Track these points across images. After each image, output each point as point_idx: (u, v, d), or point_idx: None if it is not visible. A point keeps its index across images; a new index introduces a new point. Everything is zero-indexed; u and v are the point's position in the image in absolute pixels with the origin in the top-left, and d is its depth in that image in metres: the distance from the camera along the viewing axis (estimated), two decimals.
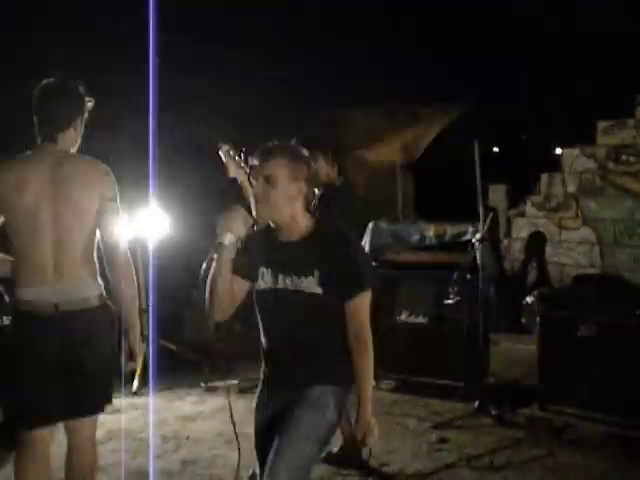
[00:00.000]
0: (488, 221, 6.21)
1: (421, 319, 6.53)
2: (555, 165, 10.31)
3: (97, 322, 3.61)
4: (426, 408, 6.23)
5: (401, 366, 6.61)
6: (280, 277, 3.09)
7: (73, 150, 3.73)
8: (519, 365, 7.35)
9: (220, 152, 4.66)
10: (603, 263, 9.50)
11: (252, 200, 3.11)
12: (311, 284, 3.03)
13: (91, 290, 3.61)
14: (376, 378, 6.59)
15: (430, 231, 6.94)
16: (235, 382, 6.85)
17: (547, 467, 5.06)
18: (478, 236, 6.08)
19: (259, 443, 3.23)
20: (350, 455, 5.00)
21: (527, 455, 5.24)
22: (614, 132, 9.45)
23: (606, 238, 9.51)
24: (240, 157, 4.58)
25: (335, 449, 5.08)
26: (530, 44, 12.80)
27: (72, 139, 3.70)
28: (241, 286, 3.15)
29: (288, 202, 3.03)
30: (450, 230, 6.87)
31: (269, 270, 3.12)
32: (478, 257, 6.25)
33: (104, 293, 3.69)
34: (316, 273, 3.02)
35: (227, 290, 3.09)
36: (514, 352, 7.90)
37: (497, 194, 10.37)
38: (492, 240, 7.81)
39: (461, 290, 6.34)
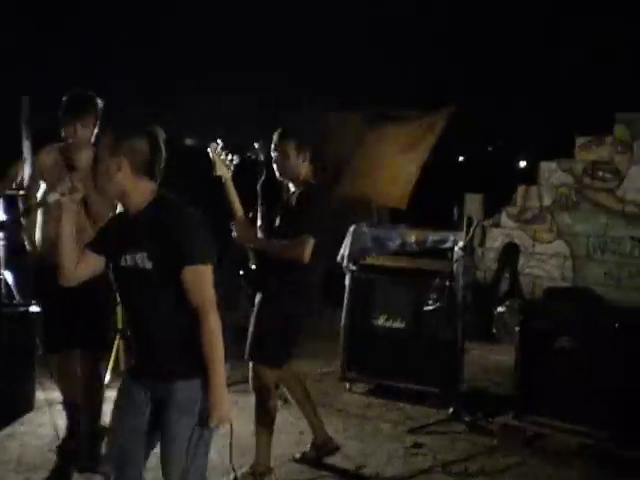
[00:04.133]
0: (472, 230, 6.27)
1: (399, 324, 6.56)
2: (523, 177, 10.41)
3: None
4: (400, 412, 6.27)
5: (376, 370, 6.64)
6: (122, 256, 3.09)
7: None
8: (491, 373, 7.42)
9: (209, 149, 4.70)
10: (575, 277, 9.61)
11: None
12: (143, 259, 3.02)
13: None
14: (350, 381, 6.72)
15: (411, 237, 6.99)
16: None
17: (520, 475, 5.13)
18: (461, 244, 6.13)
19: (119, 430, 3.23)
20: (323, 453, 5.07)
21: (500, 463, 5.30)
22: (592, 148, 9.58)
23: (579, 252, 9.62)
24: (227, 155, 4.62)
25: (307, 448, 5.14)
26: (507, 59, 12.94)
27: None
28: (96, 260, 3.21)
29: (111, 179, 3.05)
30: (431, 237, 6.92)
31: (116, 250, 3.13)
32: (457, 265, 6.30)
33: None
34: (147, 247, 3.01)
35: (73, 254, 3.17)
36: (485, 360, 7.97)
37: (473, 203, 10.44)
38: (470, 249, 7.88)
39: (440, 297, 6.37)
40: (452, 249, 6.37)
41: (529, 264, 10.00)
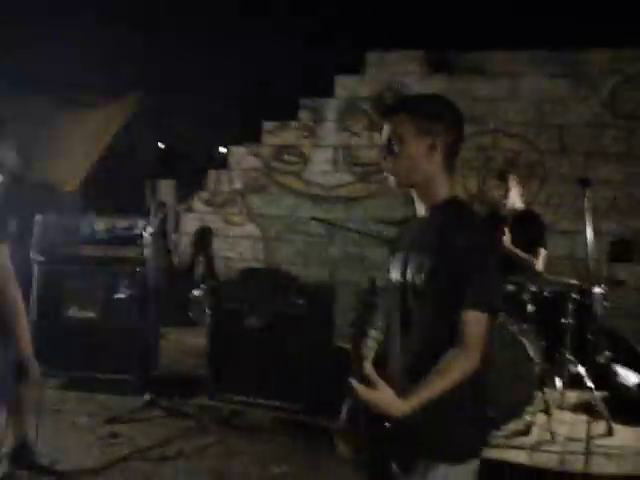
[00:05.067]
0: (159, 215, 6.27)
1: (91, 314, 6.42)
2: (222, 163, 10.59)
3: None
4: (97, 403, 6.14)
5: (70, 362, 6.45)
6: None
7: None
8: (188, 357, 7.48)
9: None
10: (267, 257, 9.95)
11: None
12: None
13: None
14: (43, 376, 6.46)
15: (100, 225, 6.86)
16: None
17: (218, 454, 5.24)
18: (150, 230, 6.11)
19: None
20: (22, 455, 4.85)
21: (198, 443, 5.38)
22: (278, 133, 9.94)
23: (270, 234, 9.97)
24: None
25: (5, 449, 4.89)
26: (194, 42, 13.02)
27: None
28: None
29: None
30: (120, 224, 6.84)
31: None
32: (148, 251, 6.29)
33: None
34: None
35: None
36: (183, 345, 8.02)
37: (166, 189, 10.46)
38: (162, 234, 7.89)
39: (131, 284, 6.33)
40: (142, 235, 6.34)
41: (223, 247, 10.20)
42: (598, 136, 8.51)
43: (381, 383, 2.26)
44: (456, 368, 2.29)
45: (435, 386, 2.28)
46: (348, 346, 2.30)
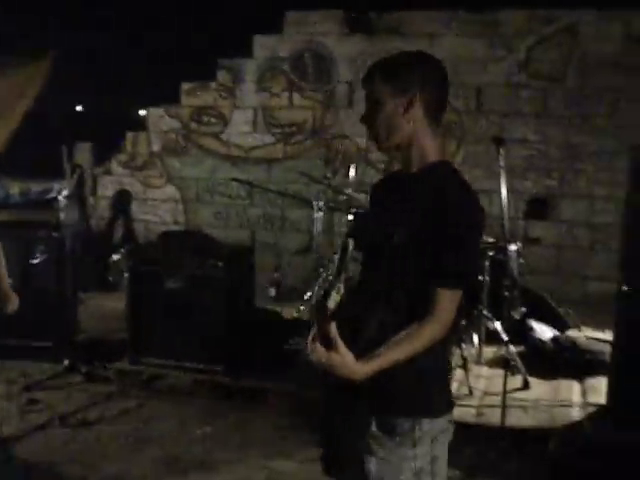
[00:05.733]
0: (75, 178, 6.15)
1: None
2: (140, 124, 10.43)
3: None
4: (15, 370, 6.04)
5: None
6: None
7: None
8: (108, 321, 7.38)
9: None
10: (187, 220, 9.88)
11: None
12: None
13: None
14: None
15: (14, 189, 6.71)
16: None
17: (139, 418, 5.23)
18: (65, 193, 5.98)
19: None
20: None
21: (119, 408, 5.36)
22: (197, 94, 9.82)
23: (189, 196, 9.89)
24: None
25: None
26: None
27: None
28: None
29: None
30: (35, 187, 6.69)
31: None
32: (64, 215, 6.17)
33: None
34: None
35: None
36: (102, 309, 7.91)
37: (82, 152, 10.24)
38: (79, 198, 7.75)
39: (47, 249, 6.21)
40: (58, 199, 6.21)
41: (142, 210, 10.09)
42: (514, 96, 8.63)
43: (342, 346, 2.21)
44: (420, 339, 2.27)
45: (398, 352, 2.26)
46: (310, 308, 2.25)
